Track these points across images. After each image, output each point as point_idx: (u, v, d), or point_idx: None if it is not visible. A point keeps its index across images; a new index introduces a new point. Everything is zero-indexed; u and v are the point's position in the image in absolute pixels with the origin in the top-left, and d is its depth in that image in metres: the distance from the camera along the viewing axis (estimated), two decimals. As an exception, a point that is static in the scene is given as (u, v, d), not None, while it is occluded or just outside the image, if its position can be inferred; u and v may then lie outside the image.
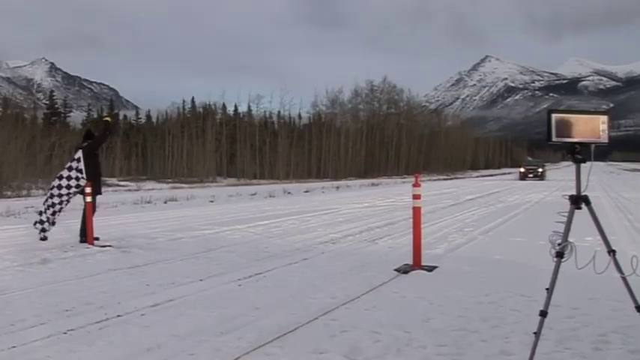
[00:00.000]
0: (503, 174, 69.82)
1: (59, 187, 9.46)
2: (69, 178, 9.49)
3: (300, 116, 71.02)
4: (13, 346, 4.26)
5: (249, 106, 68.42)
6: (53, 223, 9.54)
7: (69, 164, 9.60)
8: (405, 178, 55.77)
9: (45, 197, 9.67)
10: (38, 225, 9.40)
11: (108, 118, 11.58)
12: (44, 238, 9.37)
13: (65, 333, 4.61)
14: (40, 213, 9.49)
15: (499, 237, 10.49)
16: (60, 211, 9.55)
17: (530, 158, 71.47)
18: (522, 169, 46.23)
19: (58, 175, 9.65)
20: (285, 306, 5.47)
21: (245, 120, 67.23)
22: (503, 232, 11.17)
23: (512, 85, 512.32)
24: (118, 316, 5.14)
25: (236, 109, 68.99)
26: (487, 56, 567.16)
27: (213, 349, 4.21)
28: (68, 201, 9.64)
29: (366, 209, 16.94)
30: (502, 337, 4.45)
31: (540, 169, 44.99)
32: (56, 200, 9.44)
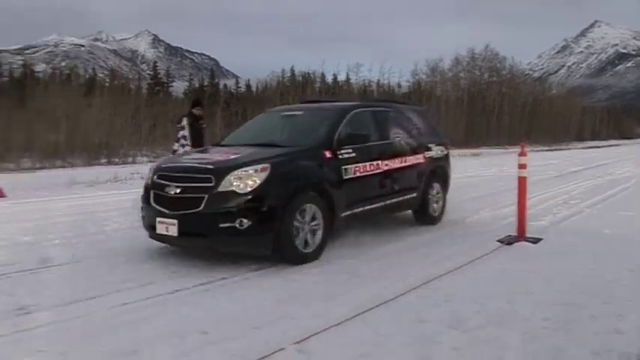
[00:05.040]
0: (610, 146, 66.11)
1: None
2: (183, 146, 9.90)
3: (399, 85, 69.94)
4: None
5: (347, 75, 68.26)
6: None
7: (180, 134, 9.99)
8: (507, 148, 54.02)
9: None
10: None
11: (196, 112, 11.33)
12: None
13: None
14: None
15: (607, 210, 9.97)
16: None
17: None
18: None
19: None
20: (387, 276, 5.44)
21: (344, 89, 67.02)
22: (611, 206, 10.61)
23: (624, 51, 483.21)
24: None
25: (335, 78, 68.90)
26: (596, 21, 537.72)
27: (314, 314, 4.28)
28: None
29: (469, 179, 16.56)
30: (614, 314, 4.25)
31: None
32: None
